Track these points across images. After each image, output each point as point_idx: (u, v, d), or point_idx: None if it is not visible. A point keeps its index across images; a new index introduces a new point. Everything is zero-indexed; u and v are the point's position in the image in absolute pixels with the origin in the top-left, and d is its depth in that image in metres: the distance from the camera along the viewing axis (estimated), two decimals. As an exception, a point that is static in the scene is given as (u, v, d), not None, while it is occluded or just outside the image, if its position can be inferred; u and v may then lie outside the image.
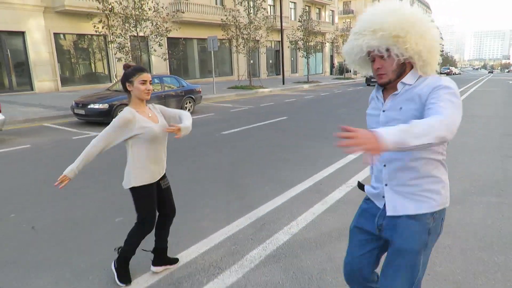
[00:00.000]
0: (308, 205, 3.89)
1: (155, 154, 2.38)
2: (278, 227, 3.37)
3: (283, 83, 24.82)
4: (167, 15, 19.01)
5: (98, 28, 14.47)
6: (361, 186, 1.78)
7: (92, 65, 21.59)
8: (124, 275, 2.52)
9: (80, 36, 20.55)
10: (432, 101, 1.36)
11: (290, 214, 3.65)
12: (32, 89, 18.62)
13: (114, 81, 21.99)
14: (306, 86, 24.07)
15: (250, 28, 20.82)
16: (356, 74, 38.06)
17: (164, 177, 2.57)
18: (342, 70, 41.69)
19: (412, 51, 1.44)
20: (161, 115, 2.50)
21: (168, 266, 2.71)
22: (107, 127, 2.26)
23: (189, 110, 11.84)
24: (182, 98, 11.73)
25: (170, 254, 2.87)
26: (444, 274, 2.60)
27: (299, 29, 27.28)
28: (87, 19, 18.61)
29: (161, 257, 2.68)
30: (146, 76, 2.28)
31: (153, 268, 2.67)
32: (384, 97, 1.61)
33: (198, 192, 4.41)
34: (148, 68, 23.81)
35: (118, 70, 22.03)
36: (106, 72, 22.21)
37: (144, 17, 14.77)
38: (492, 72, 77.82)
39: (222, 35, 21.80)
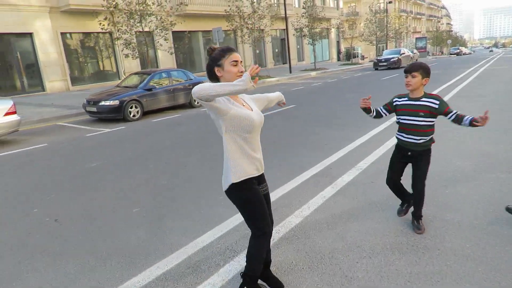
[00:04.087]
0: (319, 188, 3.98)
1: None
2: (290, 210, 3.48)
3: (290, 72, 24.75)
4: (170, 9, 19.03)
5: (104, 25, 14.60)
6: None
7: (100, 63, 21.81)
8: None
9: (87, 34, 20.73)
10: None
11: (301, 198, 3.75)
12: (43, 89, 18.95)
13: (123, 78, 22.31)
14: (313, 73, 23.97)
15: (254, 18, 20.74)
16: (363, 59, 37.61)
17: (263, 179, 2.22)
18: (349, 56, 41.25)
19: None
20: (253, 102, 2.23)
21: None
22: None
23: (197, 102, 11.94)
24: (190, 91, 11.82)
25: (185, 237, 3.01)
26: (454, 249, 2.67)
27: (303, 15, 27.04)
28: (92, 17, 18.75)
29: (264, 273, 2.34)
30: (236, 56, 1.97)
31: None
32: None
33: (211, 178, 4.53)
34: (155, 63, 23.97)
35: (125, 67, 22.23)
36: (114, 70, 22.41)
37: (148, 12, 14.84)
38: (492, 51, 76.29)
39: (227, 26, 21.74)
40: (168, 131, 8.12)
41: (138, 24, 14.91)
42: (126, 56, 14.77)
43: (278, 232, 3.07)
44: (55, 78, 19.28)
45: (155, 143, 6.91)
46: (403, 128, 2.86)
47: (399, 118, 2.88)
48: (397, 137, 2.97)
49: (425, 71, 2.71)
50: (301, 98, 12.13)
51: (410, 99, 2.80)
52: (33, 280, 2.66)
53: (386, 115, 2.98)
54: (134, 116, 10.08)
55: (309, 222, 3.22)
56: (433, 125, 2.78)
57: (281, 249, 2.81)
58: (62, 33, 19.49)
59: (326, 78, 20.41)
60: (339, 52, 45.86)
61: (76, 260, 2.89)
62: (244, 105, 2.06)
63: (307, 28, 27.01)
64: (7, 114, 7.72)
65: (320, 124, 7.53)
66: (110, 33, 20.72)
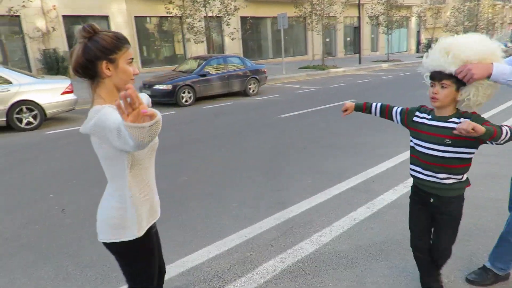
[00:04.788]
0: (351, 207, 3.30)
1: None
2: (306, 233, 2.88)
3: (360, 63, 23.21)
4: (236, -7, 18.70)
5: (169, 9, 14.76)
6: None
7: (170, 46, 22.40)
8: None
9: (158, 18, 21.36)
10: None
11: (326, 218, 3.12)
12: (115, 70, 19.99)
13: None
14: (384, 65, 22.19)
15: (324, 4, 19.61)
16: (446, 52, 33.89)
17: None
18: (429, 47, 37.68)
19: None
20: None
21: None
22: None
23: (253, 91, 11.51)
24: (246, 78, 11.42)
25: (175, 252, 2.58)
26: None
27: (379, 2, 25.02)
28: (163, 1, 19.18)
29: None
30: (132, 51, 1.40)
31: None
32: None
33: (230, 182, 4.07)
34: (221, 49, 24.03)
35: (192, 51, 22.59)
36: (183, 53, 22.91)
37: (213, -4, 14.67)
38: None
39: (294, 12, 20.89)
40: (211, 120, 7.82)
41: (202, 8, 14.82)
42: (188, 40, 14.83)
43: (282, 261, 2.51)
44: (127, 59, 20.21)
45: (194, 133, 6.64)
46: (418, 158, 1.85)
47: (414, 144, 1.89)
48: (412, 174, 1.94)
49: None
50: (363, 92, 11.09)
51: (434, 118, 1.80)
52: (3, 280, 2.45)
53: (397, 122, 2.02)
54: (186, 101, 9.97)
55: (325, 252, 2.61)
56: (467, 159, 1.75)
57: (279, 286, 2.26)
58: (135, 17, 20.28)
59: (398, 71, 18.69)
60: (418, 43, 42.13)
61: (57, 263, 2.64)
62: None
63: (382, 16, 24.97)
64: (64, 93, 8.00)
65: (374, 124, 6.63)
66: (180, 17, 21.17)
